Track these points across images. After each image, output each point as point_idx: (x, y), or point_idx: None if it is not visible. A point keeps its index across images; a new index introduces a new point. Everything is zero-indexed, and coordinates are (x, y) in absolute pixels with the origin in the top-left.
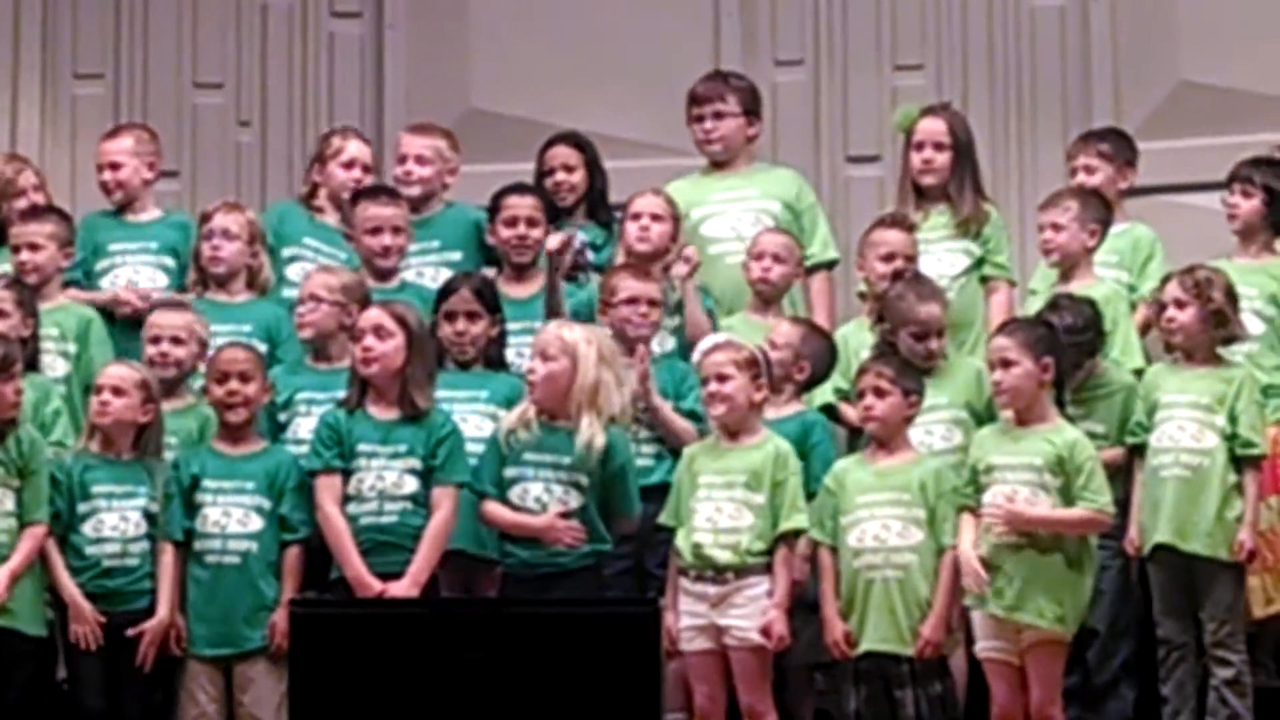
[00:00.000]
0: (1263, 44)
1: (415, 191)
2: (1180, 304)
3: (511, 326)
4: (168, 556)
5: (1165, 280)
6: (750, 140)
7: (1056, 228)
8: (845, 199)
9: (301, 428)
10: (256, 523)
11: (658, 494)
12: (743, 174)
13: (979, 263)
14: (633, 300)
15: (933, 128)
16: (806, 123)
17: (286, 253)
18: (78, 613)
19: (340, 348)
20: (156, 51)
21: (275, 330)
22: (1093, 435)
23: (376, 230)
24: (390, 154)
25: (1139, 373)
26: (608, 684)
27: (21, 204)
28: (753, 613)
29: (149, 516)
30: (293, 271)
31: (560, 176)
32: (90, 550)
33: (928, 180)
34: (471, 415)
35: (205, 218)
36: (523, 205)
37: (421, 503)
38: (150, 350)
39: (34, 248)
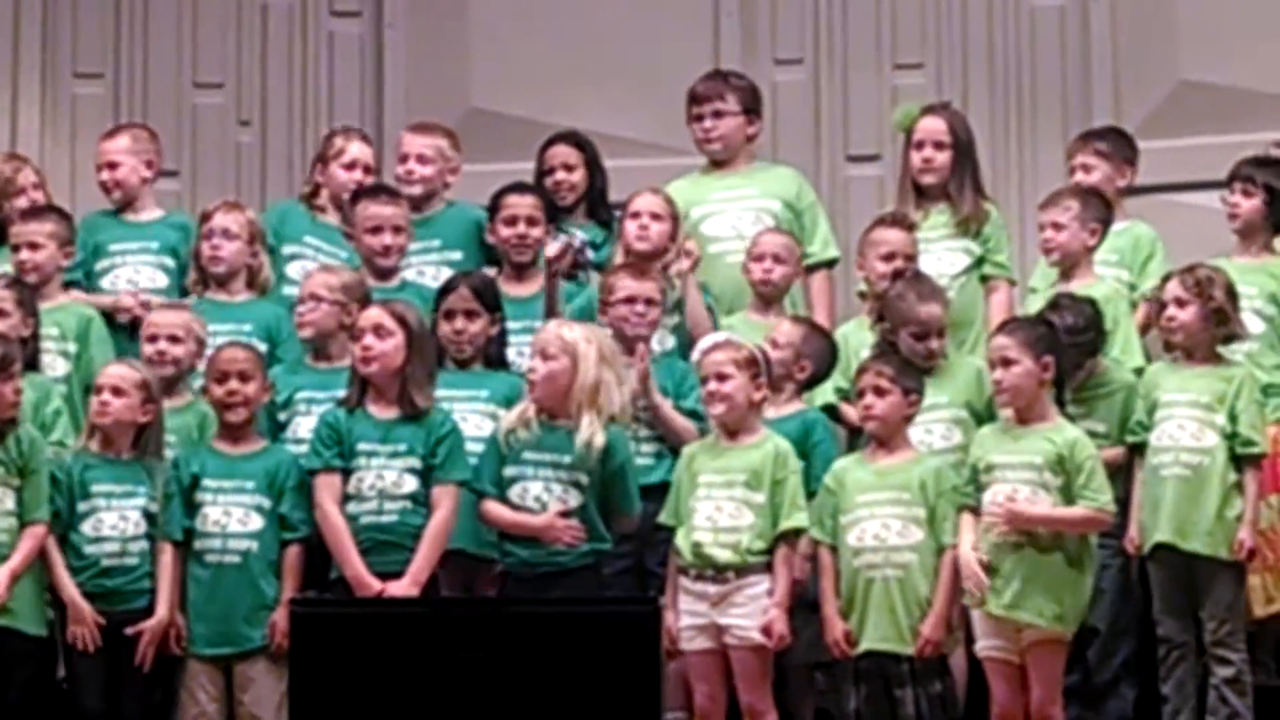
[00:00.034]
0: (1262, 43)
1: (417, 191)
2: (1181, 303)
3: (511, 326)
4: (167, 556)
5: (1166, 279)
6: (750, 139)
7: (1057, 227)
8: (845, 198)
9: (301, 427)
10: (257, 522)
11: (658, 493)
12: (743, 173)
13: (979, 262)
14: (630, 299)
15: (933, 127)
16: (806, 122)
17: (287, 251)
18: (76, 613)
19: (340, 347)
20: (156, 51)
21: (275, 330)
22: (1093, 434)
23: (377, 229)
24: (390, 153)
25: (1139, 372)
26: (608, 683)
27: (21, 203)
28: (753, 612)
29: (148, 516)
30: (293, 270)
31: (560, 176)
32: (89, 549)
33: (928, 179)
34: (471, 414)
35: (205, 217)
36: (522, 204)
37: (421, 502)
38: (148, 349)
39: (34, 247)
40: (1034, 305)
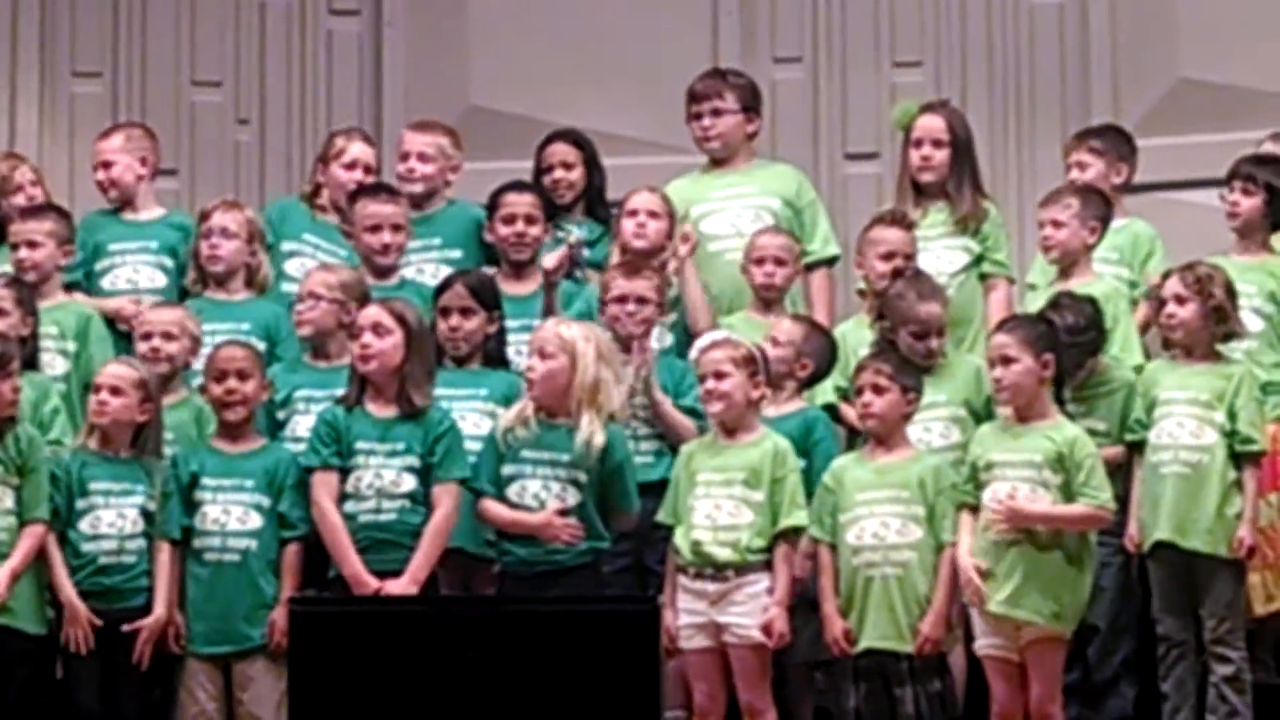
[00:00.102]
0: (1261, 41)
1: (418, 189)
2: (1181, 300)
3: (510, 324)
4: (165, 554)
5: (1165, 276)
6: (750, 137)
7: (1057, 224)
8: (844, 196)
9: (300, 425)
10: (256, 520)
11: (658, 490)
12: (742, 171)
13: (978, 260)
14: (621, 299)
15: (931, 125)
16: (805, 120)
17: (286, 248)
18: (72, 614)
19: (339, 346)
20: (155, 50)
21: (274, 328)
22: (1094, 433)
23: (376, 228)
24: (389, 152)
25: (1139, 370)
26: (607, 682)
27: (19, 200)
28: (753, 610)
29: (146, 514)
30: (292, 267)
31: (559, 174)
32: (87, 547)
33: (926, 177)
34: (470, 413)
35: (204, 216)
36: (521, 203)
37: (420, 501)
38: (142, 346)
39: (33, 245)
40: (1032, 302)
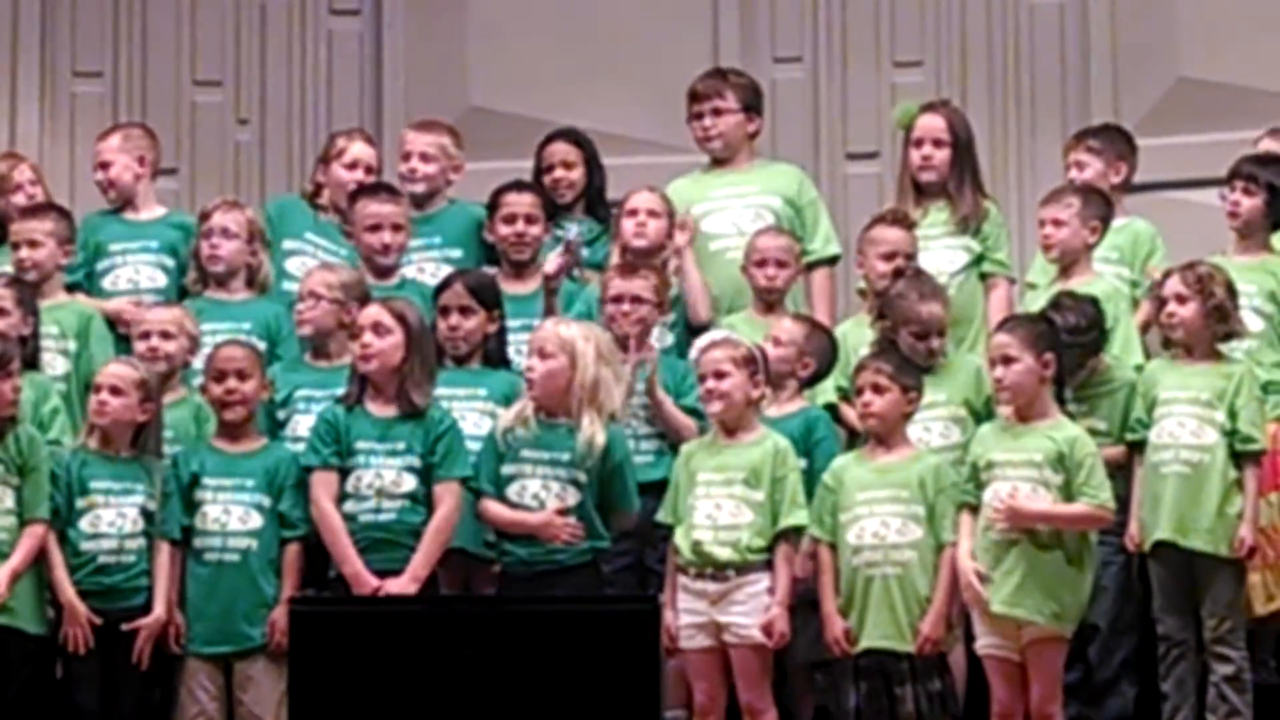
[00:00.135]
0: (1261, 40)
1: (419, 189)
2: (1181, 299)
3: (510, 324)
4: (165, 554)
5: (1166, 275)
6: (751, 137)
7: (1058, 224)
8: (844, 196)
9: (300, 425)
10: (256, 520)
11: (658, 490)
12: (743, 170)
13: (978, 259)
14: (617, 298)
15: (932, 124)
16: (805, 120)
17: (287, 246)
18: (72, 614)
19: (339, 345)
20: (155, 49)
21: (274, 328)
22: (1094, 432)
23: (376, 227)
24: (389, 152)
25: (1140, 369)
26: (607, 681)
27: (18, 199)
28: (753, 610)
29: (146, 514)
30: (293, 266)
31: (559, 173)
32: (86, 546)
33: (927, 177)
34: (470, 412)
35: (204, 216)
36: (521, 202)
37: (420, 500)
38: (140, 345)
39: (33, 244)
40: (1033, 302)
